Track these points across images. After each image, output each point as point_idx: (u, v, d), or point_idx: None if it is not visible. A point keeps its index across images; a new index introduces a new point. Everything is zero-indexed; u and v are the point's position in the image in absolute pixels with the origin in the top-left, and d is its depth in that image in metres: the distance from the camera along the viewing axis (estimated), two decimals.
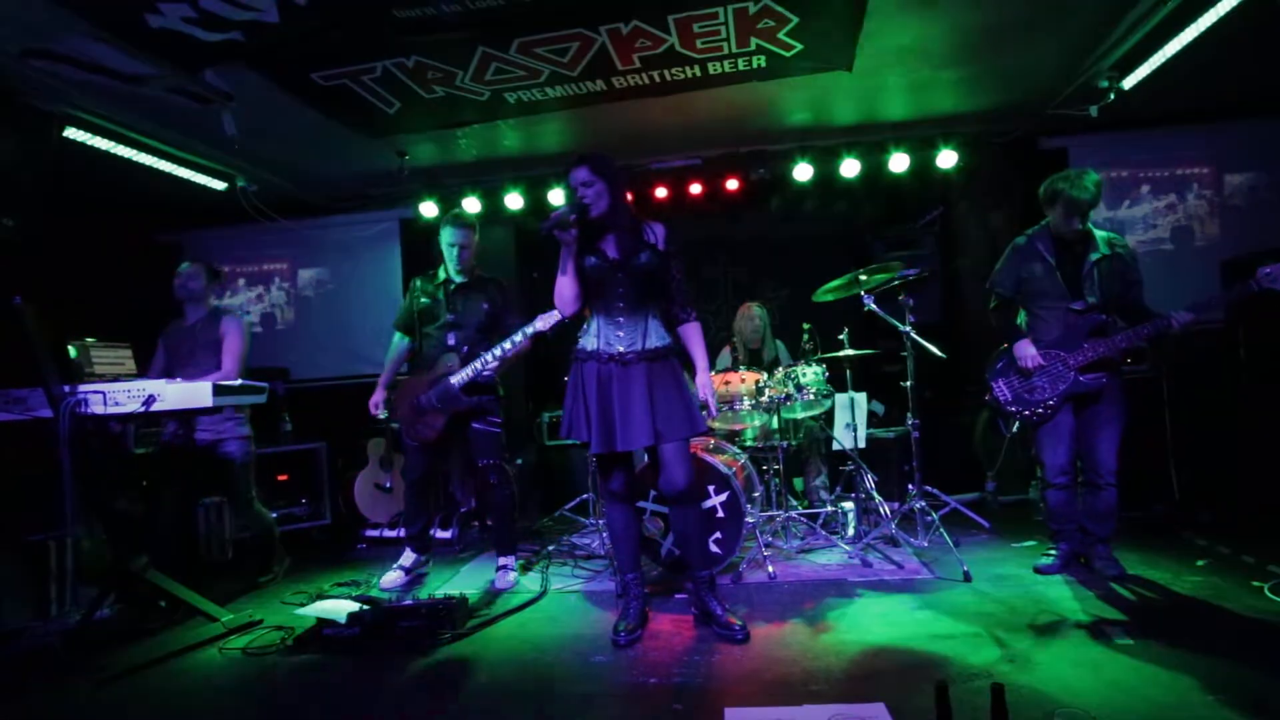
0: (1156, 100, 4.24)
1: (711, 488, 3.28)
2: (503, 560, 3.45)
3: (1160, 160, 4.84)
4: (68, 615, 3.19)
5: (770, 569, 3.27)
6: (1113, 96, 3.99)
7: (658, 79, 3.76)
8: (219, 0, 2.83)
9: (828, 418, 4.16)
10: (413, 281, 3.57)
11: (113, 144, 3.91)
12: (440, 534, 4.35)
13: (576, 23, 3.19)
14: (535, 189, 5.16)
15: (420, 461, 3.49)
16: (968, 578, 3.06)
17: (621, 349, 2.57)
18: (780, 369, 3.82)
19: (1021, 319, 3.18)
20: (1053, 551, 3.17)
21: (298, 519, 4.66)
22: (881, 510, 3.77)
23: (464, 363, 3.30)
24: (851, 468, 3.88)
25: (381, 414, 3.52)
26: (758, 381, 3.78)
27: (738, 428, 4.12)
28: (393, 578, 3.50)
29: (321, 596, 3.31)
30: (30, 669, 2.64)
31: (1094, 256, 2.94)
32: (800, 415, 4.07)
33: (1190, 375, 4.12)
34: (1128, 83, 3.89)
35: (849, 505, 3.85)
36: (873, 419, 4.80)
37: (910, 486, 3.70)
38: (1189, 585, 2.84)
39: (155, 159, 4.19)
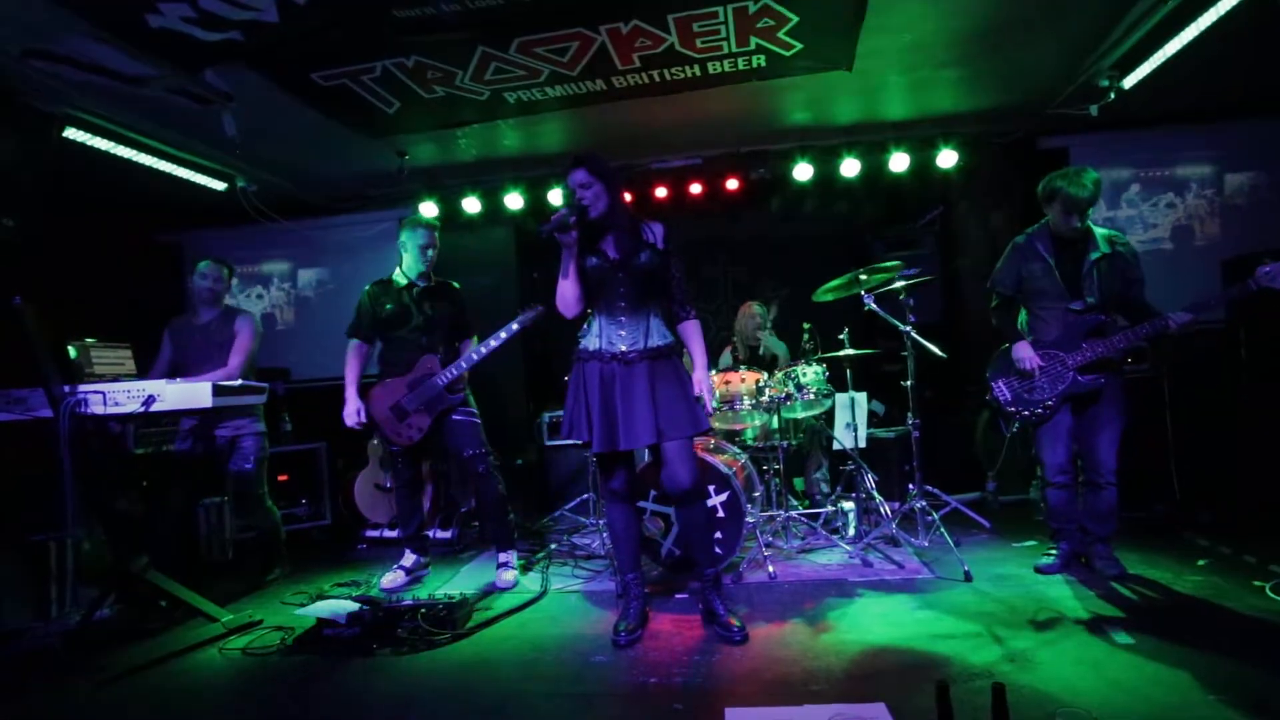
0: (1157, 100, 4.24)
1: (711, 487, 3.28)
2: (503, 557, 3.45)
3: (1160, 160, 4.84)
4: (68, 615, 3.19)
5: (770, 569, 3.26)
6: (1113, 96, 3.99)
7: (658, 78, 3.76)
8: (218, 0, 2.83)
9: (828, 417, 4.15)
10: (368, 289, 3.56)
11: (113, 144, 3.91)
12: (440, 534, 4.35)
13: (576, 22, 3.19)
14: (535, 189, 5.16)
15: (410, 462, 3.51)
16: (968, 577, 3.06)
17: (624, 348, 2.58)
18: (779, 369, 3.81)
19: (1023, 319, 3.18)
20: (1053, 551, 3.17)
21: (298, 519, 4.66)
22: (882, 510, 3.77)
23: (444, 362, 3.36)
24: (852, 467, 3.88)
25: (362, 423, 3.44)
26: (758, 381, 3.78)
27: (738, 427, 4.12)
28: (393, 578, 3.50)
29: (322, 597, 3.30)
30: (30, 669, 2.64)
31: (1094, 255, 2.93)
32: (800, 415, 4.07)
33: (1191, 375, 4.12)
34: (1128, 82, 3.89)
35: (849, 505, 3.85)
36: (873, 419, 4.79)
37: (911, 486, 3.70)
38: (1190, 585, 2.84)
39: (155, 159, 4.19)
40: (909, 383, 3.65)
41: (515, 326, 3.27)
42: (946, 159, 4.75)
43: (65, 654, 2.65)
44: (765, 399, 3.72)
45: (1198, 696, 1.95)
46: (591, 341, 2.64)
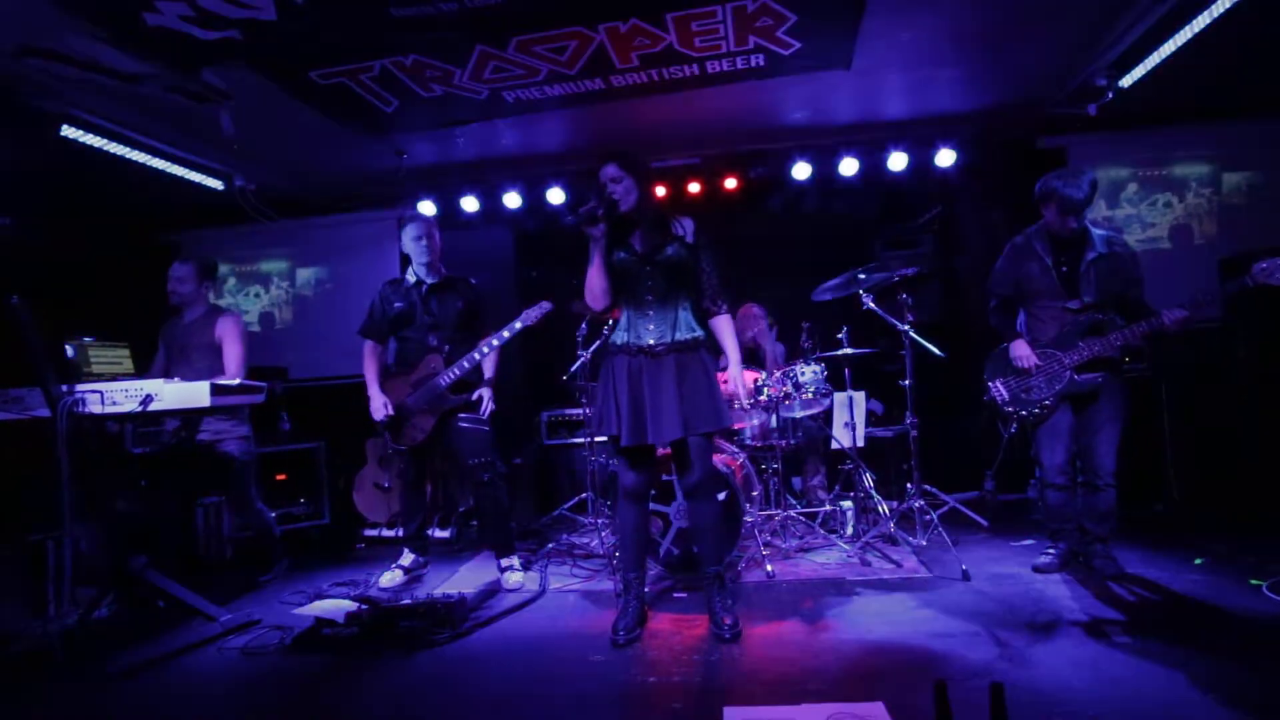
0: (1155, 99, 4.24)
1: None
2: (505, 562, 3.44)
3: (1159, 159, 4.84)
4: (65, 615, 3.18)
5: (769, 568, 3.27)
6: (1111, 95, 3.99)
7: (656, 77, 3.75)
8: None
9: (826, 417, 4.15)
10: (382, 287, 3.56)
11: (110, 143, 3.90)
12: (439, 533, 4.35)
13: (574, 21, 3.19)
14: (533, 188, 5.15)
15: (414, 462, 3.50)
16: (966, 576, 3.06)
17: (651, 341, 2.59)
18: (780, 369, 3.82)
19: (1022, 319, 3.18)
20: (1051, 550, 3.17)
21: (296, 518, 4.65)
22: (880, 509, 3.77)
23: (448, 361, 3.32)
24: (850, 466, 3.88)
25: (390, 415, 3.40)
26: (756, 381, 3.78)
27: (737, 426, 4.11)
28: (392, 577, 3.50)
29: (320, 596, 3.30)
30: (28, 669, 2.63)
31: (1091, 256, 2.93)
32: (799, 414, 4.07)
33: (1189, 374, 4.12)
34: (1126, 81, 3.89)
35: (848, 504, 3.85)
36: (871, 418, 4.80)
37: (909, 485, 3.70)
38: (1187, 584, 2.85)
39: (152, 158, 4.18)
40: (907, 382, 3.66)
41: (519, 325, 3.26)
42: (945, 158, 4.75)
43: (63, 654, 2.64)
44: (764, 398, 3.72)
45: (1195, 696, 1.95)
46: (620, 335, 2.66)
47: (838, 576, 3.22)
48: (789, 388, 3.73)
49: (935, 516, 3.52)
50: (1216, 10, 3.18)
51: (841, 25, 3.34)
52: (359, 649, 2.65)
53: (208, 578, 3.68)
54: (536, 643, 2.65)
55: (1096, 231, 2.97)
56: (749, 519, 3.50)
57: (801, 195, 5.30)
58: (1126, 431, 3.00)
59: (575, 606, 3.05)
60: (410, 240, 3.43)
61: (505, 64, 3.51)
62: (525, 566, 3.59)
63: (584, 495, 4.49)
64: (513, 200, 5.17)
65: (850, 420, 3.89)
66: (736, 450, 3.84)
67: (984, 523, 3.93)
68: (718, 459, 3.44)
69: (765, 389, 3.72)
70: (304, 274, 5.81)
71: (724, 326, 2.71)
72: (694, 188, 5.10)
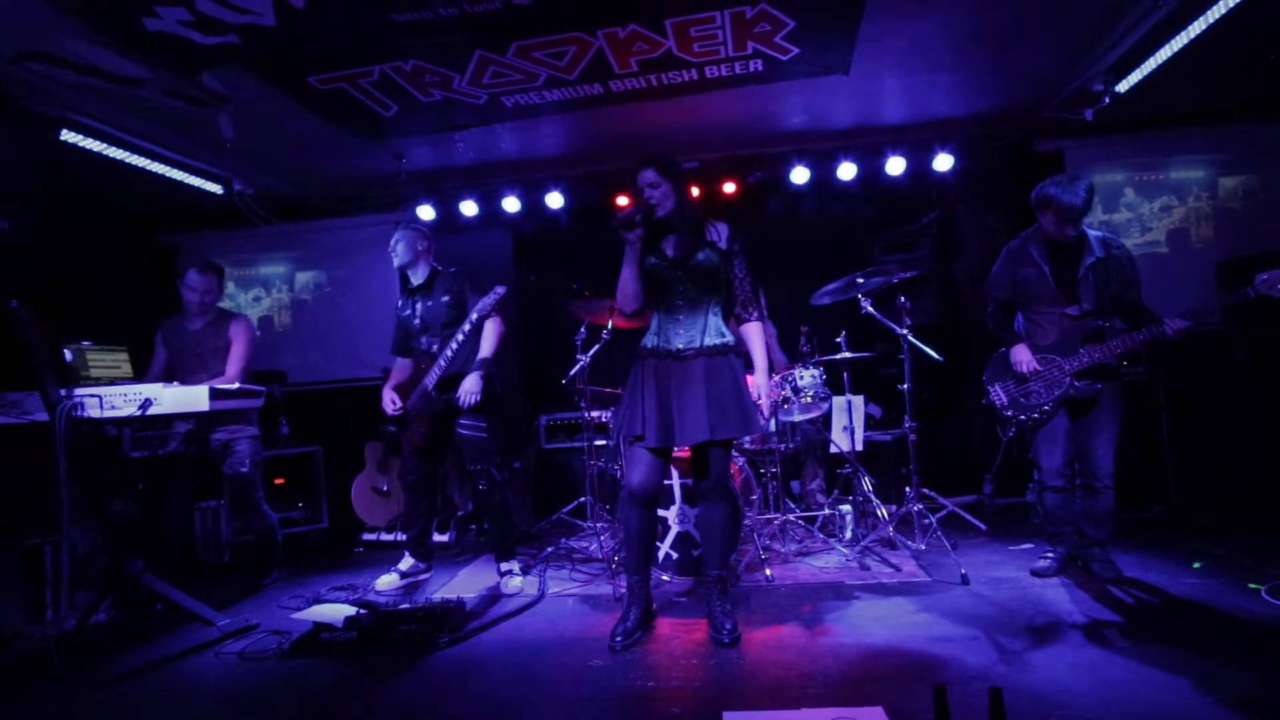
0: (1152, 103, 4.26)
1: None
2: (505, 566, 3.44)
3: (1155, 163, 4.86)
4: (64, 619, 3.18)
5: (768, 572, 3.27)
6: (1108, 100, 4.01)
7: (655, 83, 3.76)
8: (216, 3, 2.83)
9: (825, 420, 4.16)
10: (398, 302, 3.62)
11: (109, 147, 3.90)
12: (438, 537, 4.35)
13: (574, 26, 3.20)
14: (532, 192, 5.16)
15: (417, 464, 3.51)
16: (965, 580, 3.06)
17: (680, 346, 2.60)
18: (779, 374, 3.82)
19: (1020, 323, 3.19)
20: (1050, 554, 3.17)
21: (295, 522, 4.65)
22: (879, 513, 3.77)
23: (432, 361, 3.34)
24: (849, 471, 3.88)
25: (399, 408, 3.42)
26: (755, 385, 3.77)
27: None
28: (389, 580, 3.49)
29: (319, 600, 3.29)
30: (26, 673, 2.63)
31: (1089, 261, 2.94)
32: (798, 418, 4.07)
33: (1188, 377, 4.13)
34: (1123, 86, 3.91)
35: (846, 508, 3.85)
36: (870, 422, 4.80)
37: (908, 489, 3.70)
38: (1186, 587, 2.85)
39: (151, 162, 4.18)
40: (906, 386, 3.66)
41: (474, 316, 3.18)
42: (943, 162, 4.77)
43: (61, 658, 2.63)
44: (763, 402, 3.71)
45: (1195, 699, 1.95)
46: (650, 339, 2.67)
47: (837, 580, 3.22)
48: (788, 391, 3.74)
49: (934, 520, 3.52)
50: (1213, 16, 3.20)
51: (840, 30, 3.35)
52: (358, 654, 2.65)
53: (205, 582, 3.67)
54: (536, 647, 2.64)
55: (1093, 235, 2.98)
56: (748, 523, 3.51)
57: (800, 199, 5.32)
58: (1125, 435, 3.01)
59: (574, 611, 3.05)
60: (391, 250, 3.48)
61: (504, 69, 3.52)
62: (525, 571, 3.59)
63: (583, 499, 4.48)
64: (512, 204, 5.18)
65: (849, 424, 3.90)
66: (735, 454, 3.84)
67: (983, 526, 3.93)
68: None
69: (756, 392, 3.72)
70: (303, 278, 5.82)
71: (754, 334, 2.70)
72: (693, 192, 5.10)
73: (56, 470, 2.58)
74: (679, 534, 3.35)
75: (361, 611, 2.79)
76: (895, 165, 4.81)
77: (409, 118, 4.02)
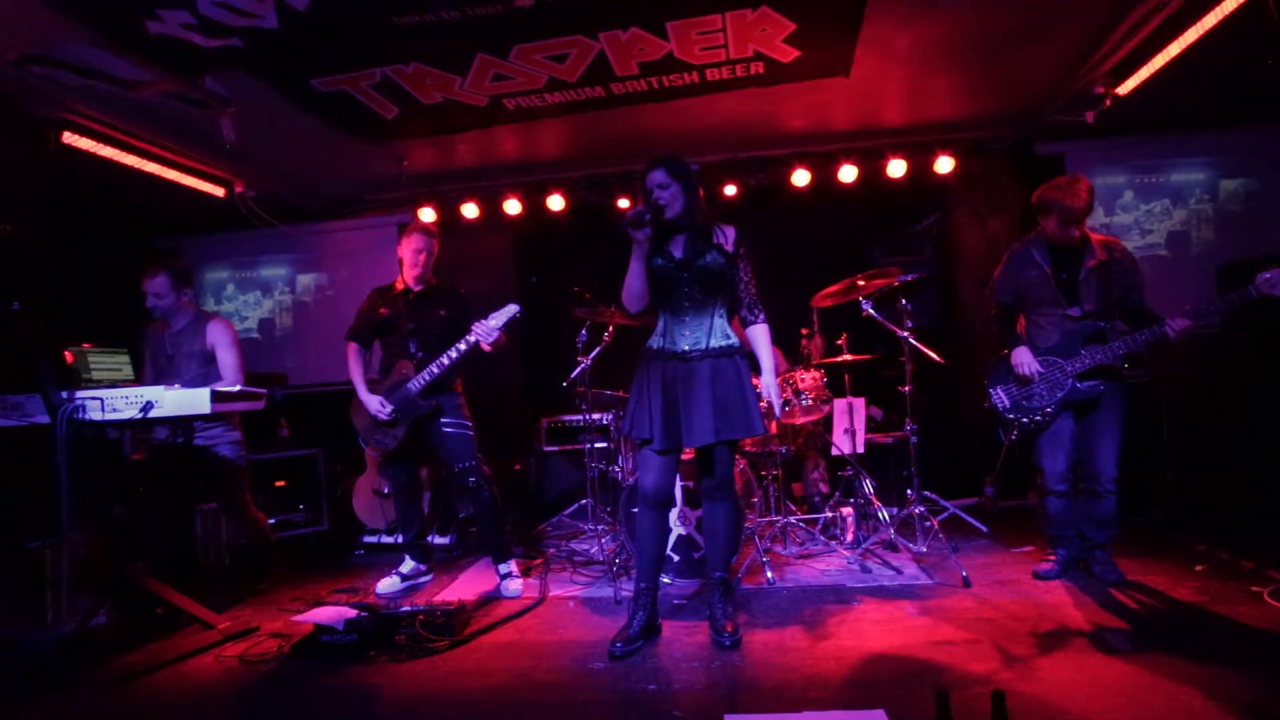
0: (1153, 106, 4.25)
1: None
2: (504, 568, 3.42)
3: (1156, 166, 4.86)
4: (63, 623, 3.17)
5: (769, 574, 3.26)
6: (1109, 102, 4.01)
7: (656, 85, 3.77)
8: (218, 7, 2.84)
9: (826, 423, 4.15)
10: (371, 292, 3.55)
11: (111, 149, 3.91)
12: (440, 540, 4.35)
13: (575, 29, 3.20)
14: (533, 195, 5.17)
15: (401, 469, 3.51)
16: (967, 583, 3.06)
17: (686, 347, 2.60)
18: (780, 375, 3.82)
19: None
20: (1052, 557, 3.17)
21: (295, 525, 4.64)
22: (880, 516, 3.76)
23: (419, 368, 3.29)
24: (850, 473, 3.88)
25: (391, 412, 3.35)
26: (756, 386, 3.78)
27: None
28: (390, 584, 3.49)
29: (319, 603, 3.29)
30: (25, 677, 2.62)
31: (1090, 263, 2.94)
32: (799, 420, 4.07)
33: (1189, 380, 4.13)
34: (1124, 89, 3.91)
35: (848, 511, 3.85)
36: (871, 424, 4.79)
37: (909, 491, 3.70)
38: (1188, 591, 2.84)
39: (153, 164, 4.19)
40: (907, 388, 3.66)
41: (493, 324, 3.16)
42: (944, 165, 4.77)
43: (60, 661, 2.63)
44: (764, 403, 3.71)
45: (1197, 703, 1.94)
46: (655, 340, 2.67)
47: (838, 583, 3.22)
48: (789, 393, 3.73)
49: (936, 523, 3.52)
50: (1214, 19, 3.20)
51: (841, 33, 3.36)
52: (358, 656, 2.65)
53: (206, 585, 3.67)
54: (536, 650, 2.64)
55: (1096, 238, 2.99)
56: (749, 525, 3.50)
57: (801, 202, 5.32)
58: (1127, 438, 3.00)
59: (575, 613, 3.04)
60: (410, 251, 3.41)
61: (506, 72, 3.53)
62: (525, 573, 3.58)
63: (584, 501, 4.48)
64: (513, 207, 5.18)
65: (850, 426, 3.89)
66: (736, 456, 3.84)
67: (984, 529, 3.93)
68: None
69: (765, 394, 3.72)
70: (304, 280, 5.82)
71: (761, 336, 2.71)
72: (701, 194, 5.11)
73: (57, 473, 2.58)
74: (680, 537, 3.34)
75: (362, 614, 2.79)
76: (896, 168, 4.81)
77: (410, 120, 4.03)
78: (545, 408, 5.43)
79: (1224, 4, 3.10)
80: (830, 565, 3.50)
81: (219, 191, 4.73)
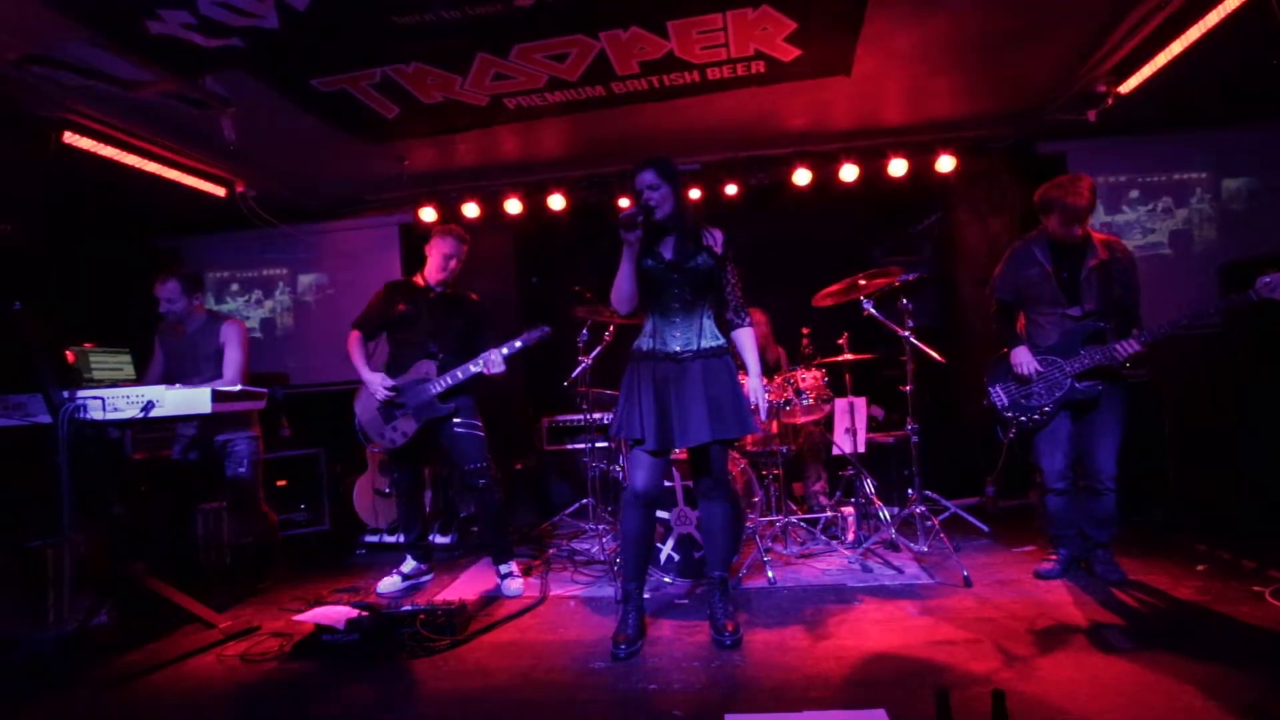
0: (1154, 105, 4.25)
1: None
2: (504, 568, 3.42)
3: (1158, 165, 4.85)
4: (65, 622, 3.18)
5: (770, 574, 3.26)
6: (1110, 101, 4.00)
7: (657, 84, 3.77)
8: (219, 7, 2.84)
9: (827, 422, 4.15)
10: (387, 286, 3.54)
11: (112, 149, 3.90)
12: (441, 539, 4.35)
13: (575, 28, 3.20)
14: (534, 194, 5.16)
15: (407, 468, 3.51)
16: (968, 583, 3.05)
17: (678, 348, 2.61)
18: (779, 375, 3.82)
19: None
20: (1053, 556, 3.16)
21: (297, 524, 4.65)
22: (881, 515, 3.76)
23: (441, 370, 3.30)
24: (851, 473, 3.88)
25: (392, 392, 3.35)
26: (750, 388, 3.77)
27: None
28: (391, 583, 3.49)
29: (320, 602, 3.29)
30: (27, 676, 2.62)
31: (1091, 262, 2.94)
32: (800, 420, 4.07)
33: (1190, 379, 4.12)
34: (1125, 88, 3.90)
35: (849, 510, 3.85)
36: (872, 424, 4.79)
37: (910, 491, 3.70)
38: (1190, 590, 2.84)
39: (154, 164, 4.19)
40: (908, 387, 3.66)
41: (519, 344, 3.24)
42: (945, 164, 4.76)
43: (62, 661, 2.64)
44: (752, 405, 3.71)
45: (1198, 703, 1.94)
46: (645, 341, 2.67)
47: (839, 583, 3.22)
48: (790, 393, 3.73)
49: (937, 522, 3.52)
50: (1216, 17, 3.19)
51: (842, 32, 3.36)
52: (359, 656, 2.65)
53: (207, 584, 3.67)
54: (537, 649, 2.64)
55: (1097, 237, 2.98)
56: (750, 525, 3.50)
57: (801, 201, 5.32)
58: (1127, 436, 3.00)
59: (576, 613, 3.04)
60: (439, 254, 3.39)
61: (506, 71, 3.53)
62: (526, 572, 3.59)
63: (585, 501, 4.48)
64: (513, 206, 5.18)
65: (851, 426, 3.89)
66: (737, 456, 3.84)
67: (985, 528, 3.92)
68: None
69: (767, 394, 3.72)
70: (305, 280, 5.83)
71: (746, 339, 2.73)
72: (694, 194, 5.11)
73: (59, 472, 2.58)
74: (680, 536, 3.34)
75: (363, 614, 2.79)
76: (897, 167, 4.80)
77: (411, 120, 4.03)
78: (546, 407, 5.44)
79: (1226, 2, 3.09)
80: (831, 565, 3.50)
81: (220, 191, 4.73)
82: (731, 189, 5.05)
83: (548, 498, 5.17)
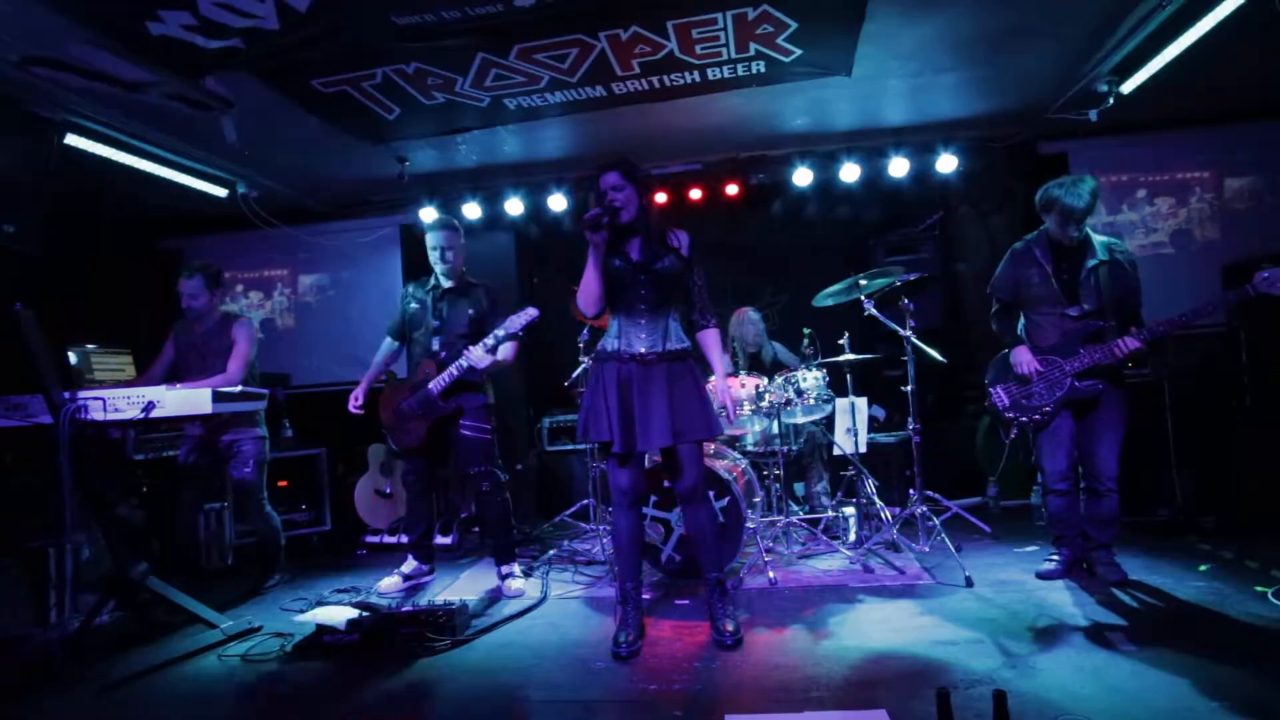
0: (1156, 104, 4.24)
1: (711, 493, 3.27)
2: (505, 569, 3.43)
3: (1160, 164, 4.84)
4: (67, 622, 3.18)
5: (771, 574, 3.26)
6: (1112, 101, 3.99)
7: (657, 85, 3.76)
8: (219, 8, 2.84)
9: (828, 423, 4.15)
10: (405, 287, 3.58)
11: (113, 150, 3.91)
12: (441, 539, 4.35)
13: (576, 29, 3.20)
14: (535, 194, 5.17)
15: (417, 467, 3.50)
16: (969, 583, 3.05)
17: (643, 350, 2.61)
18: (781, 375, 3.81)
19: (1023, 324, 3.18)
20: (1055, 557, 3.16)
21: (298, 525, 4.65)
22: (883, 515, 3.75)
23: (440, 368, 3.30)
24: (852, 473, 3.87)
25: (359, 408, 3.47)
26: (758, 386, 3.78)
27: (738, 433, 4.11)
28: (391, 583, 3.49)
29: (321, 603, 3.30)
30: (29, 676, 2.63)
31: (1091, 263, 2.93)
32: (801, 420, 4.06)
33: (1192, 378, 4.11)
34: (1127, 87, 3.89)
35: (850, 510, 3.84)
36: (873, 424, 4.79)
37: (911, 491, 3.69)
38: (1192, 590, 2.83)
39: (156, 165, 4.20)
40: (909, 388, 3.65)
41: (502, 333, 3.18)
42: (946, 164, 4.76)
43: (64, 661, 2.64)
44: (765, 404, 3.72)
45: (1200, 703, 1.94)
46: (610, 342, 2.67)
47: (840, 583, 3.21)
48: (790, 393, 3.73)
49: (938, 523, 3.51)
50: (1217, 17, 3.18)
51: (842, 32, 3.35)
52: (360, 656, 2.65)
53: (209, 584, 3.68)
54: (538, 650, 2.64)
55: (1097, 239, 2.98)
56: (751, 525, 3.50)
57: (803, 201, 5.32)
58: (1128, 437, 3.00)
59: (577, 613, 3.04)
60: (430, 248, 3.41)
61: (507, 72, 3.53)
62: (527, 573, 3.59)
63: (586, 501, 4.48)
64: (515, 207, 5.19)
65: (852, 426, 3.89)
66: (739, 456, 3.84)
67: (987, 529, 3.92)
68: (720, 465, 3.43)
69: (767, 394, 3.72)
70: (306, 281, 5.83)
71: (712, 341, 2.75)
72: (695, 194, 5.11)
73: (60, 473, 2.59)
74: (681, 537, 3.34)
75: (364, 614, 2.79)
76: (898, 167, 4.80)
77: (412, 120, 4.03)
78: (546, 408, 5.44)
79: (1226, 2, 3.09)
80: (832, 565, 3.50)
81: (221, 192, 4.74)
82: (732, 189, 5.05)
83: (548, 498, 5.17)
